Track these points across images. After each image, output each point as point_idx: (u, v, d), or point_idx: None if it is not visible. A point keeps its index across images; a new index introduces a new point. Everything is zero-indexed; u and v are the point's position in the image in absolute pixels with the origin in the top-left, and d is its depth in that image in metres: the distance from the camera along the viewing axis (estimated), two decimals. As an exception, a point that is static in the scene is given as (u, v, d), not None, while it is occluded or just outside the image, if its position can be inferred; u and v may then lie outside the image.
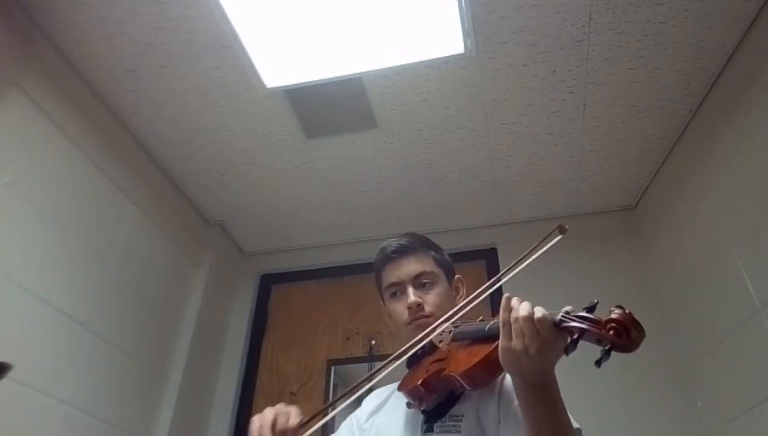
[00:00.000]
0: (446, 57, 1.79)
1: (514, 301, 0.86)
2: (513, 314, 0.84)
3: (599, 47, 1.77)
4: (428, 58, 1.79)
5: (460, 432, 1.00)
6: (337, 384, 2.51)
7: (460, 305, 1.11)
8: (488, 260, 2.59)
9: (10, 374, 1.27)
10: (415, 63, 1.81)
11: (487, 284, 1.07)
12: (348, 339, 2.59)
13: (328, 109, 2.06)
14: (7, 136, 1.61)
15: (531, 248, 1.06)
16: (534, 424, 0.85)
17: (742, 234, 1.74)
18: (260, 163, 2.29)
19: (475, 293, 1.08)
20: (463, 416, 1.02)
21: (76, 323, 1.79)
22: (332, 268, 2.76)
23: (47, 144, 1.74)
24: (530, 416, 0.86)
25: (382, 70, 1.83)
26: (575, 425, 0.90)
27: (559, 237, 1.06)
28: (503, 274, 1.07)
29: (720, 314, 1.86)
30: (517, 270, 1.07)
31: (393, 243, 1.23)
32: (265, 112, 2.04)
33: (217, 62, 1.84)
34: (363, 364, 2.50)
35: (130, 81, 1.92)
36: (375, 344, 2.51)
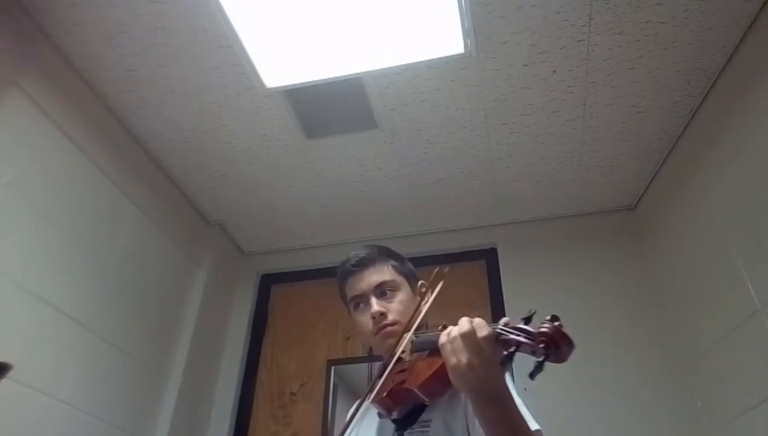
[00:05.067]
0: (446, 57, 1.79)
1: (462, 320, 0.87)
2: (453, 333, 0.86)
3: (599, 47, 1.77)
4: (428, 58, 1.79)
5: None
6: (337, 384, 2.51)
7: (423, 311, 1.13)
8: (488, 260, 2.59)
9: (10, 374, 1.27)
10: (415, 63, 1.81)
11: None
12: (348, 339, 2.58)
13: (328, 109, 2.06)
14: (8, 136, 1.61)
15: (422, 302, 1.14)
16: (491, 430, 0.87)
17: (742, 234, 1.74)
18: (260, 163, 2.29)
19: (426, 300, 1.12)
20: (431, 421, 1.05)
21: (76, 323, 1.79)
22: (332, 268, 2.72)
23: (47, 144, 1.74)
24: (488, 429, 0.87)
25: (382, 70, 1.83)
26: (534, 426, 0.91)
27: (441, 283, 1.11)
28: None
29: (720, 314, 1.86)
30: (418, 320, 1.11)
31: (353, 257, 1.27)
32: (265, 112, 2.04)
33: (217, 62, 1.84)
34: (363, 364, 2.50)
35: (130, 81, 1.92)
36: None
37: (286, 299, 2.78)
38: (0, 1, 1.62)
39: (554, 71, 1.86)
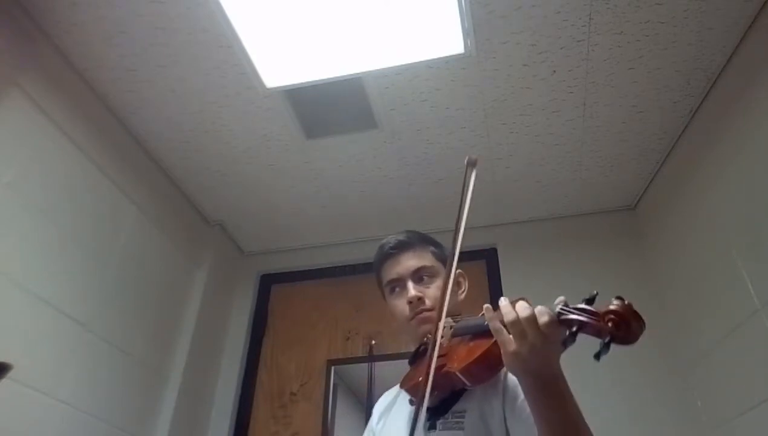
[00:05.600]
0: (446, 57, 1.79)
1: (507, 304, 0.84)
2: (510, 317, 0.82)
3: (599, 47, 1.77)
4: (428, 58, 1.79)
5: (463, 429, 0.99)
6: (337, 384, 2.51)
7: (445, 282, 1.07)
8: (488, 260, 2.59)
9: (10, 374, 1.27)
10: (415, 63, 1.81)
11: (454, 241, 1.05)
12: (348, 339, 2.59)
13: (328, 109, 2.06)
14: (8, 136, 1.60)
15: (463, 194, 1.08)
16: (546, 420, 0.84)
17: (742, 234, 1.74)
18: (260, 163, 2.29)
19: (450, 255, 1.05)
20: (466, 412, 1.01)
21: (76, 323, 1.79)
22: (332, 268, 2.76)
23: (47, 144, 1.74)
24: (542, 413, 0.84)
25: (382, 70, 1.83)
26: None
27: (474, 171, 1.07)
28: (458, 225, 1.05)
29: (720, 314, 1.86)
30: (466, 212, 1.05)
31: (391, 240, 1.24)
32: (265, 112, 2.04)
33: (217, 62, 1.84)
34: (363, 364, 2.50)
35: (130, 81, 1.92)
36: (375, 344, 2.52)
37: (286, 299, 2.78)
38: (0, 1, 1.62)
39: (554, 71, 1.86)
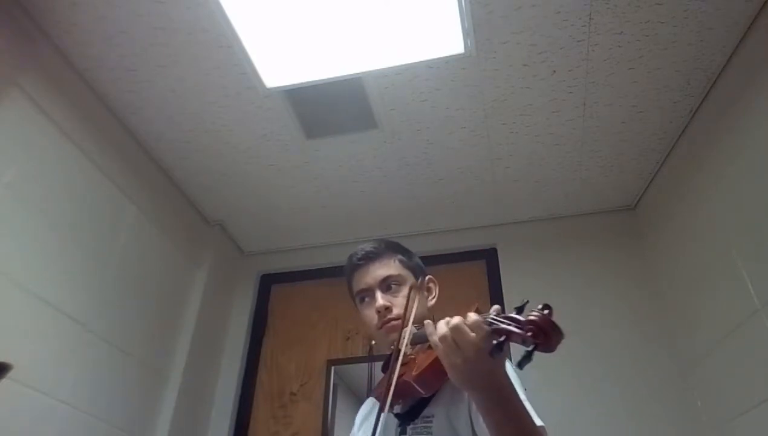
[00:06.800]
0: (446, 57, 1.79)
1: (442, 321, 0.86)
2: (441, 331, 0.84)
3: (599, 47, 1.77)
4: (428, 58, 1.79)
5: (432, 433, 1.02)
6: (337, 384, 2.51)
7: (416, 302, 1.12)
8: (488, 260, 2.59)
9: (10, 374, 1.27)
10: (415, 63, 1.81)
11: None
12: (348, 339, 2.59)
13: (328, 109, 2.06)
14: (7, 136, 1.60)
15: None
16: (497, 429, 0.85)
17: (742, 234, 1.74)
18: (260, 163, 2.29)
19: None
20: (434, 416, 1.04)
21: (76, 323, 1.79)
22: (332, 268, 2.75)
23: (47, 144, 1.74)
24: (491, 423, 0.85)
25: (382, 70, 1.83)
26: (538, 422, 0.89)
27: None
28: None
29: (720, 314, 1.86)
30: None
31: (359, 251, 1.27)
32: (265, 112, 2.04)
33: (217, 62, 1.84)
34: (363, 364, 2.50)
35: (130, 81, 1.92)
36: (375, 344, 2.51)
37: (286, 299, 2.77)
38: (0, 2, 1.62)
39: (554, 71, 1.86)
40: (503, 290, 2.43)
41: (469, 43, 1.73)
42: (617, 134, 2.13)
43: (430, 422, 1.03)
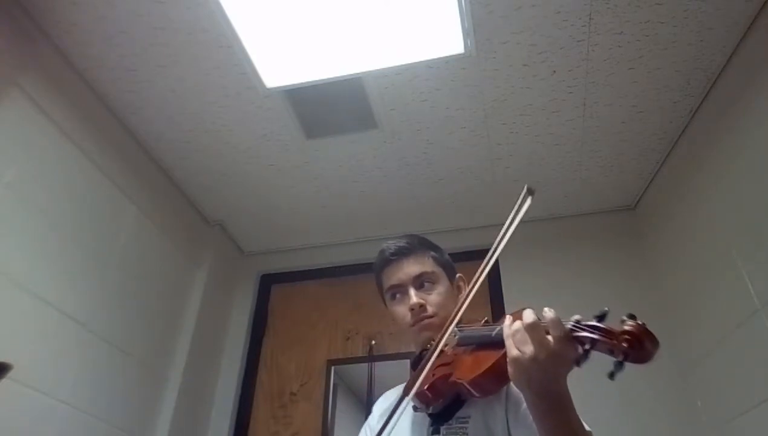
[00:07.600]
0: (446, 57, 1.79)
1: (512, 317, 0.84)
2: (516, 325, 0.81)
3: (599, 47, 1.77)
4: (428, 58, 1.79)
5: (467, 434, 0.99)
6: (337, 384, 2.51)
7: (463, 300, 1.06)
8: (488, 260, 2.58)
9: (10, 374, 1.27)
10: (415, 63, 1.81)
11: (484, 262, 1.06)
12: (348, 339, 2.58)
13: (328, 109, 2.06)
14: (7, 136, 1.60)
15: (511, 217, 1.06)
16: (549, 435, 0.83)
17: (742, 234, 1.74)
18: (260, 163, 2.29)
19: (477, 274, 1.06)
20: (469, 418, 1.01)
21: (76, 323, 1.79)
22: (332, 268, 2.76)
23: (47, 144, 1.74)
24: (543, 429, 0.83)
25: (382, 70, 1.83)
26: (587, 428, 0.88)
27: (529, 199, 1.05)
28: (495, 248, 1.05)
29: (720, 314, 1.86)
30: (506, 240, 1.06)
31: (392, 245, 1.23)
32: (265, 112, 2.04)
33: (217, 62, 1.84)
34: (363, 364, 2.50)
35: (130, 81, 1.92)
36: (375, 344, 2.52)
37: (286, 299, 2.77)
38: (0, 2, 1.62)
39: (554, 71, 1.86)
40: (503, 290, 2.43)
41: (469, 43, 1.73)
42: (617, 134, 2.13)
43: (466, 423, 1.00)
